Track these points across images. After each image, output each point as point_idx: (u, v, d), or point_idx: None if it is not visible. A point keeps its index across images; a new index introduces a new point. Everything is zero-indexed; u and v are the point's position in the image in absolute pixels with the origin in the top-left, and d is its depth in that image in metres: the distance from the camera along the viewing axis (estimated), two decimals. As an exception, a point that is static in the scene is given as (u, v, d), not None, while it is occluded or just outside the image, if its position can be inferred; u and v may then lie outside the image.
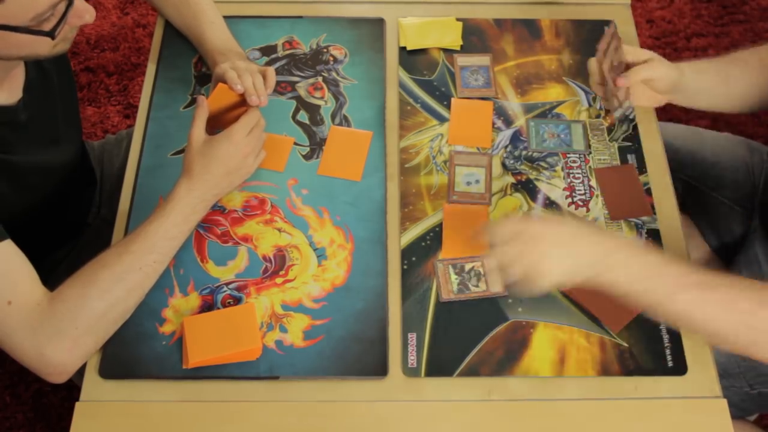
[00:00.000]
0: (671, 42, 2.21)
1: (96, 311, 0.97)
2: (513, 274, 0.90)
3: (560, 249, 0.91)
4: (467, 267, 1.07)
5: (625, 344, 1.03)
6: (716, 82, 1.18)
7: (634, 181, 1.16)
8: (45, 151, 1.12)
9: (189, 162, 1.05)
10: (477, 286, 1.06)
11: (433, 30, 1.31)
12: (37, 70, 1.09)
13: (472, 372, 1.01)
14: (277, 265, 1.09)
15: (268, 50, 1.30)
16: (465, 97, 1.25)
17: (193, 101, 1.24)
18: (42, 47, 0.95)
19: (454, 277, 1.07)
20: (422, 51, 1.30)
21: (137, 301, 1.02)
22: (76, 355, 0.96)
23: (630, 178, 1.17)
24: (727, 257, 1.36)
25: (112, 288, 0.98)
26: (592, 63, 1.19)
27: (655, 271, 0.89)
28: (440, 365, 1.02)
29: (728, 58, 1.20)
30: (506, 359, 1.02)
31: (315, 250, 1.10)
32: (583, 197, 1.15)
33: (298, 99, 1.25)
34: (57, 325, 0.95)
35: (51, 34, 0.93)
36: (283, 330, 1.03)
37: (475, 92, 1.25)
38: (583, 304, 1.05)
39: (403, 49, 1.30)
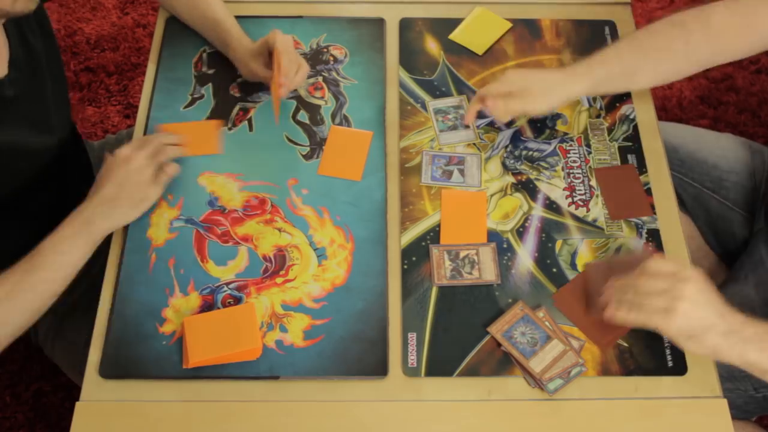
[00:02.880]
0: (671, 42, 2.21)
1: None
2: (645, 308, 0.91)
3: (704, 297, 0.90)
4: (462, 254, 1.08)
5: (625, 344, 1.03)
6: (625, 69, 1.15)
7: (634, 181, 1.16)
8: (32, 132, 1.11)
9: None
10: (470, 273, 1.07)
11: (478, 27, 1.33)
12: (24, 49, 1.08)
13: (472, 372, 1.01)
14: (278, 265, 1.09)
15: (268, 50, 1.30)
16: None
17: (194, 101, 1.24)
18: None
19: (448, 263, 1.07)
20: (422, 51, 1.30)
21: (27, 322, 0.99)
22: None
23: (630, 178, 1.17)
24: (727, 259, 1.36)
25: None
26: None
27: None
28: (440, 365, 1.02)
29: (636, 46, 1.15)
30: (506, 359, 1.02)
31: (315, 249, 1.10)
32: (583, 197, 1.15)
33: (298, 99, 1.25)
34: None
35: None
36: (283, 330, 1.03)
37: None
38: (572, 320, 1.05)
39: (451, 45, 1.31)
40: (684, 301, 0.89)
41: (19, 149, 1.10)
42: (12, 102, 1.06)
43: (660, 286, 0.91)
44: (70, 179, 1.29)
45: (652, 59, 1.14)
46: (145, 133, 1.20)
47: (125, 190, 1.05)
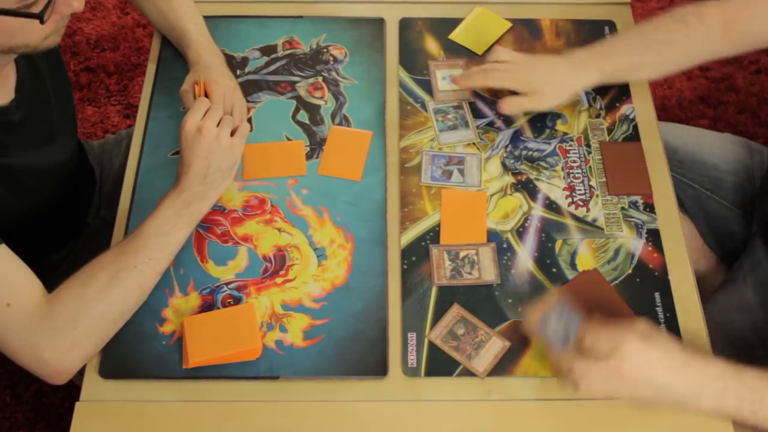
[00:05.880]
0: (671, 42, 2.21)
1: (94, 312, 0.96)
2: (584, 387, 0.89)
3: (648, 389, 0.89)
4: (462, 254, 1.08)
5: (625, 344, 1.03)
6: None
7: (639, 159, 1.18)
8: (39, 152, 1.12)
9: (178, 165, 1.06)
10: (470, 273, 1.07)
11: (478, 26, 1.33)
12: (30, 70, 1.09)
13: (472, 372, 1.01)
14: (277, 265, 1.09)
15: (268, 50, 1.30)
16: (441, 101, 1.24)
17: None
18: (32, 35, 0.93)
19: (447, 263, 1.07)
20: (422, 51, 1.30)
21: (137, 301, 1.01)
22: (75, 356, 0.96)
23: (635, 156, 1.18)
24: (727, 260, 1.36)
25: (109, 288, 0.97)
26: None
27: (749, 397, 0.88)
28: (440, 365, 1.02)
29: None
30: (506, 359, 1.02)
31: (315, 249, 1.10)
32: (583, 197, 1.16)
33: (298, 99, 1.25)
34: (55, 326, 0.94)
35: (40, 16, 0.90)
36: (283, 330, 1.03)
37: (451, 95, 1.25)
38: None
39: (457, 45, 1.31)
40: (625, 385, 0.88)
41: (31, 170, 1.10)
42: (19, 125, 1.06)
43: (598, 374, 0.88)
44: (77, 187, 1.30)
45: (654, 51, 1.17)
46: (145, 134, 1.20)
47: (213, 161, 1.04)
